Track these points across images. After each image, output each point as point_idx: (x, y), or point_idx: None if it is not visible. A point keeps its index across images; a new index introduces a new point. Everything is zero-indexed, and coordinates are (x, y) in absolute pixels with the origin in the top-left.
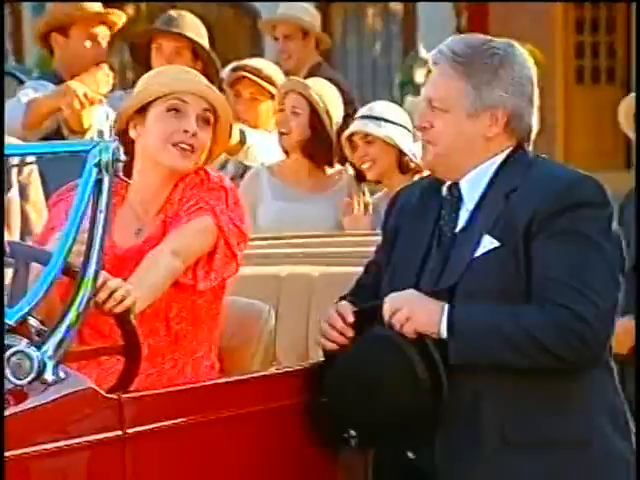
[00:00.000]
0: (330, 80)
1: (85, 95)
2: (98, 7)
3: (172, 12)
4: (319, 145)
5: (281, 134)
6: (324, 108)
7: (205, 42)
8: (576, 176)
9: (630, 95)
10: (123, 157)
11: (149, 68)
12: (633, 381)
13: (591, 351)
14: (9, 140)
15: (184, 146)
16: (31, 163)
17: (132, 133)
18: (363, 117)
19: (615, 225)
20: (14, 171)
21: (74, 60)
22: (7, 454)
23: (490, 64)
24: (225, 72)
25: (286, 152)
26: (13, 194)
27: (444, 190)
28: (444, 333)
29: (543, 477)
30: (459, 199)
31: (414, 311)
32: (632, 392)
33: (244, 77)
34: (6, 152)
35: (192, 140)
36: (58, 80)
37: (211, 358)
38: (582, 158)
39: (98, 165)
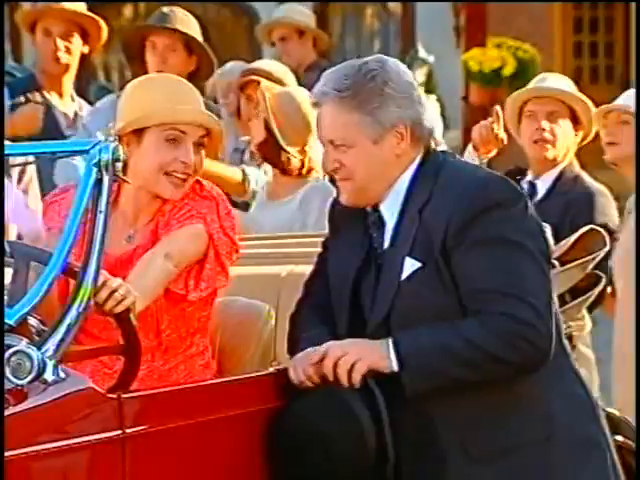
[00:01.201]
0: None
1: None
2: (68, 5)
3: (164, 9)
4: (269, 148)
5: None
6: (272, 114)
7: (199, 37)
8: (482, 180)
9: (516, 92)
10: (123, 157)
11: (145, 66)
12: None
13: (540, 351)
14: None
15: (179, 175)
16: (31, 163)
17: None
18: None
19: (531, 211)
20: (14, 180)
21: (39, 57)
22: (7, 454)
23: (375, 86)
24: (227, 71)
25: None
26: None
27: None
28: (395, 367)
29: None
30: (380, 217)
31: (362, 352)
32: None
33: (255, 80)
34: (6, 152)
35: (188, 169)
36: (33, 82)
37: (205, 357)
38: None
39: (98, 165)
